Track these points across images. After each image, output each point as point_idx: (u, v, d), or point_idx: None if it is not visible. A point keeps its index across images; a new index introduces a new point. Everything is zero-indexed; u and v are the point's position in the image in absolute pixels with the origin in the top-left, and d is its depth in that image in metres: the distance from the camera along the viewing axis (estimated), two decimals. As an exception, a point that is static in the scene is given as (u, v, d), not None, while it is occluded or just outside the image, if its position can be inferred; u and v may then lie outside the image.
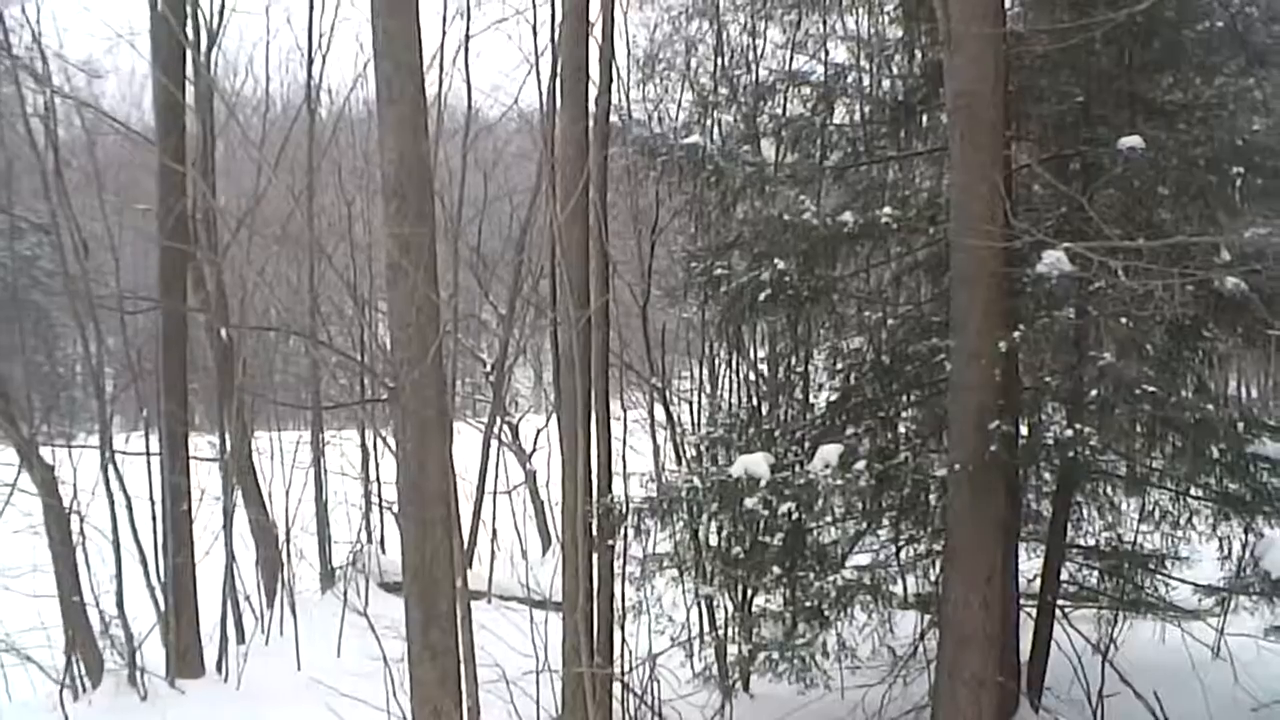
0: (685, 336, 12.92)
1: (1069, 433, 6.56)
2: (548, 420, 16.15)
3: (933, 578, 8.26)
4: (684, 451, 10.70)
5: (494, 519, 15.73)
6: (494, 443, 15.58)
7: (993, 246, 6.10)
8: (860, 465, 6.96)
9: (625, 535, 7.81)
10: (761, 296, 7.41)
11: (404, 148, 5.87)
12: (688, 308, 10.68)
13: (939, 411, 7.59)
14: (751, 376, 10.00)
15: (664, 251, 11.42)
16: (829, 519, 7.69)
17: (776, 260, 7.39)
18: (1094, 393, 6.47)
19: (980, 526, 6.51)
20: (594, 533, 7.48)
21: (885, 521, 8.04)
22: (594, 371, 7.64)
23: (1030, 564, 8.01)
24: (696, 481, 7.22)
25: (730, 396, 10.85)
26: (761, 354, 9.93)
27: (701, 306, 9.36)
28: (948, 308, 6.74)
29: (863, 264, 8.38)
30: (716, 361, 11.53)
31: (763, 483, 6.94)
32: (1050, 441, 6.67)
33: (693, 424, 11.58)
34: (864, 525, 8.01)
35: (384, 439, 14.94)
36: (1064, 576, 8.01)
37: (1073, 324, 6.80)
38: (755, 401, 9.45)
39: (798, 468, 7.25)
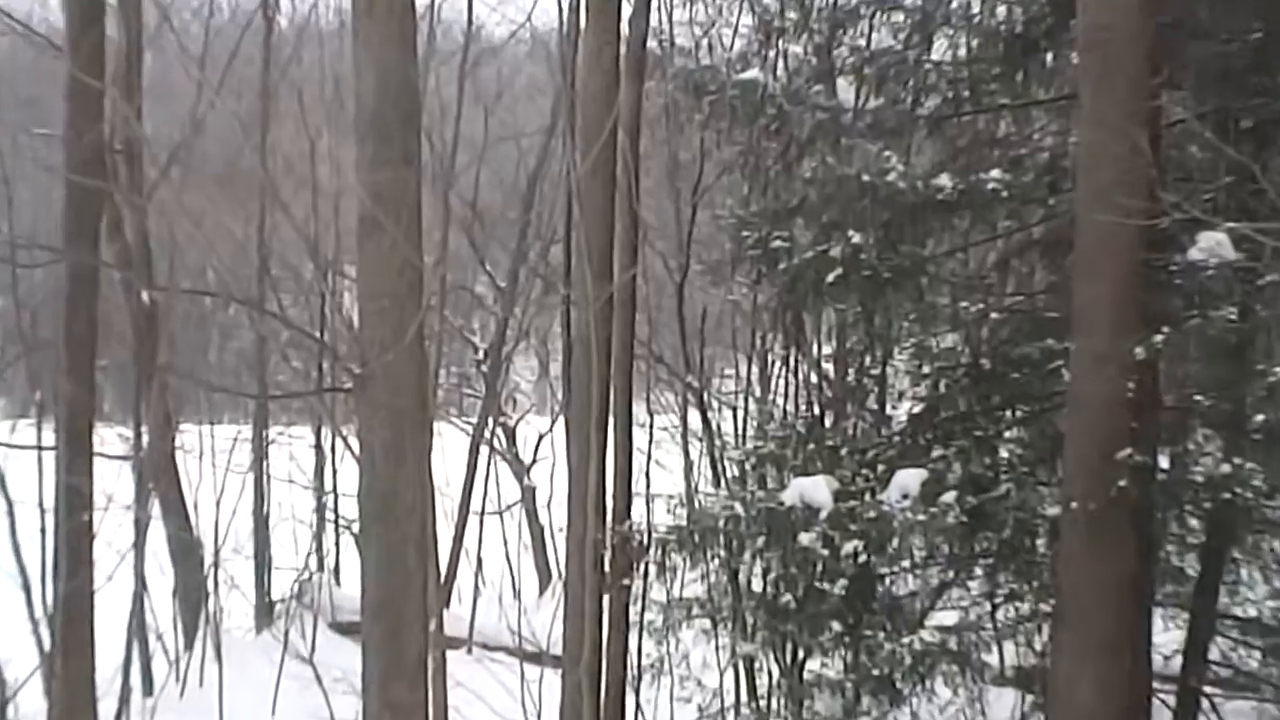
0: (730, 324, 12.95)
1: (1225, 468, 6.49)
2: (553, 424, 16.29)
3: (1039, 646, 8.21)
4: (724, 470, 10.79)
5: (480, 546, 15.84)
6: (484, 449, 15.70)
7: (1131, 224, 6.01)
8: (948, 497, 6.98)
9: (645, 573, 7.92)
10: (830, 277, 7.43)
11: (385, 71, 5.80)
12: (735, 288, 10.77)
13: (1052, 433, 7.57)
14: (813, 378, 10.02)
15: (708, 216, 11.40)
16: (906, 564, 7.71)
17: (850, 232, 7.42)
18: (1259, 418, 6.38)
19: (1102, 583, 6.42)
20: (606, 569, 7.52)
21: (978, 571, 8.03)
22: (614, 364, 7.68)
23: (1168, 636, 7.93)
24: (738, 508, 7.32)
25: (785, 402, 10.86)
26: (827, 350, 9.95)
27: (753, 287, 9.44)
28: (1068, 300, 6.66)
29: (961, 241, 8.41)
30: (769, 357, 11.56)
31: (823, 514, 6.98)
32: (1199, 478, 6.61)
33: (736, 435, 11.62)
34: (951, 574, 8.01)
35: (345, 439, 14.94)
36: (1214, 655, 7.92)
37: (1234, 327, 6.73)
38: (817, 410, 9.49)
39: (868, 496, 7.28)
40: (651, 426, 13.31)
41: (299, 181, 14.99)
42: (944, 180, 7.50)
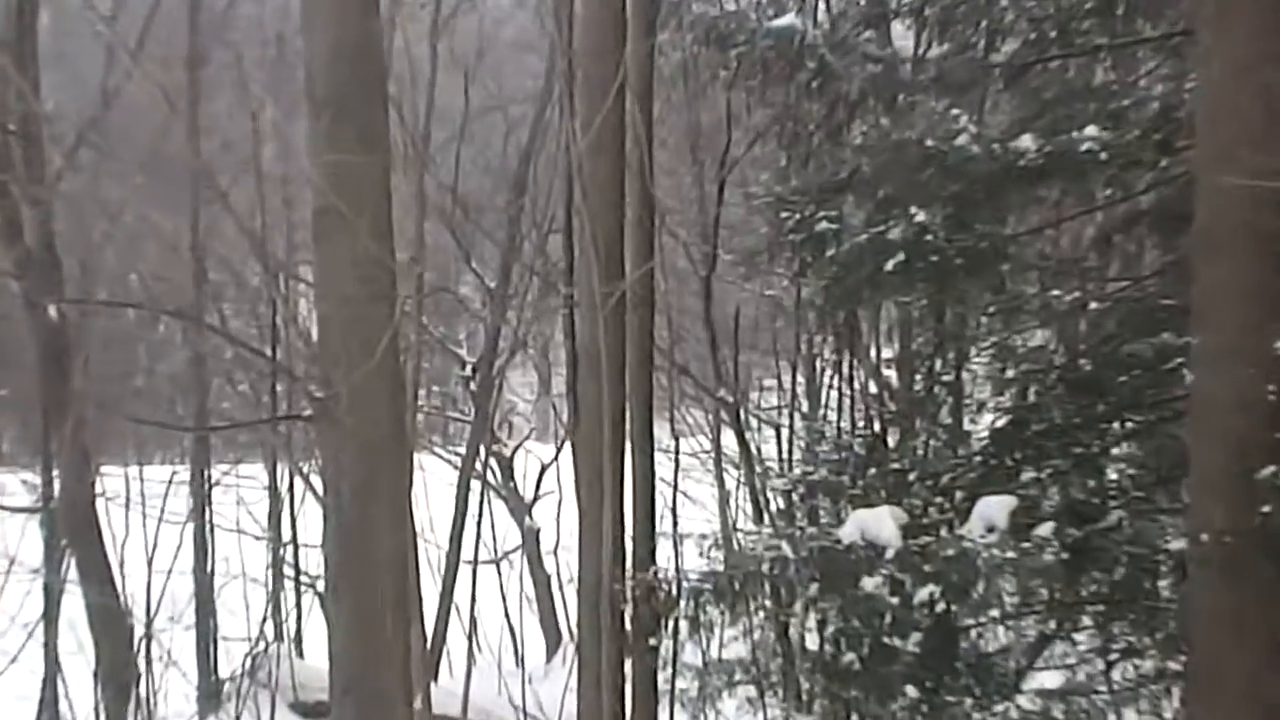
0: (770, 326, 13.01)
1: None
2: (558, 452, 16.61)
3: (1168, 714, 8.15)
4: (766, 502, 10.81)
5: (474, 603, 15.81)
6: (476, 485, 15.76)
7: (1264, 187, 5.98)
8: (1045, 530, 6.94)
9: (676, 632, 7.92)
10: (889, 265, 7.44)
11: (341, 30, 5.92)
12: (774, 281, 10.83)
13: (1172, 448, 7.45)
14: (872, 388, 10.10)
15: (738, 196, 11.37)
16: (995, 614, 7.68)
17: (913, 209, 7.43)
18: None
19: (1242, 633, 6.28)
20: (627, 627, 7.58)
21: (1087, 621, 7.96)
22: (630, 378, 7.74)
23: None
24: (786, 548, 7.30)
25: (839, 418, 10.88)
26: (888, 354, 10.02)
27: (795, 279, 9.42)
28: (1187, 284, 6.54)
29: (1050, 215, 8.40)
30: (818, 364, 11.62)
31: (889, 553, 7.00)
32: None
33: (780, 460, 11.70)
34: (1052, 626, 7.96)
35: (305, 478, 15.17)
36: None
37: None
38: (877, 427, 9.54)
39: (944, 531, 7.31)
40: (677, 452, 13.60)
41: (240, 166, 14.89)
42: (1026, 142, 7.37)
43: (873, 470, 8.23)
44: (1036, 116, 8.13)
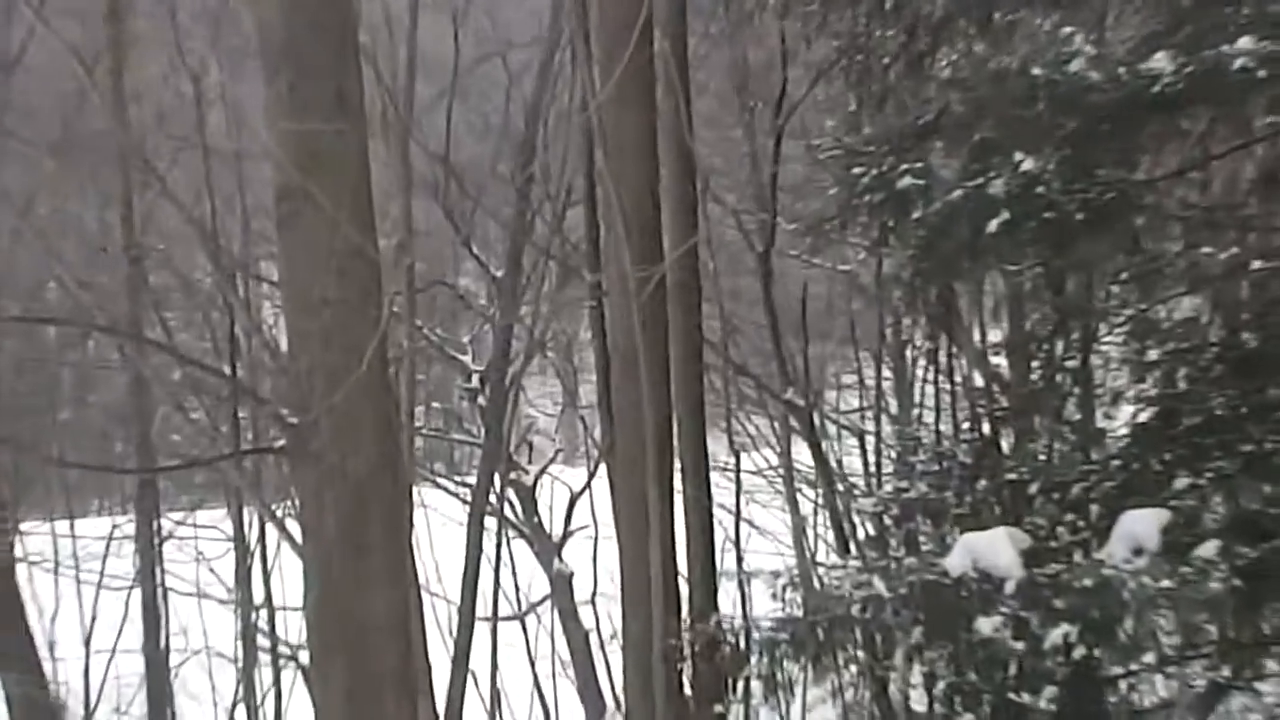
0: (846, 309, 12.89)
1: None
2: (591, 477, 16.50)
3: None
4: (853, 528, 10.80)
5: (494, 669, 15.77)
6: (491, 523, 15.57)
7: None
8: (1208, 549, 6.84)
9: (747, 694, 8.00)
10: (992, 225, 7.38)
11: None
12: (848, 254, 10.81)
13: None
14: (977, 379, 10.08)
15: (799, 149, 11.30)
16: (1149, 659, 7.51)
17: (1019, 154, 7.37)
18: None
19: None
20: (686, 690, 7.62)
21: (1272, 665, 7.85)
22: (675, 381, 7.83)
23: None
24: (880, 585, 7.31)
25: (936, 420, 10.92)
26: (995, 337, 9.98)
27: (874, 249, 9.43)
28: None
29: (1195, 155, 8.25)
30: (908, 354, 11.69)
31: (1010, 586, 6.99)
32: None
33: (867, 474, 11.71)
34: (1226, 672, 7.82)
35: (280, 525, 14.62)
36: None
37: None
38: (987, 428, 9.46)
39: (1079, 555, 7.34)
40: (738, 471, 13.32)
41: (180, 142, 14.66)
42: (1161, 62, 7.18)
43: (983, 483, 8.30)
44: (1173, 29, 7.91)
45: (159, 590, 14.18)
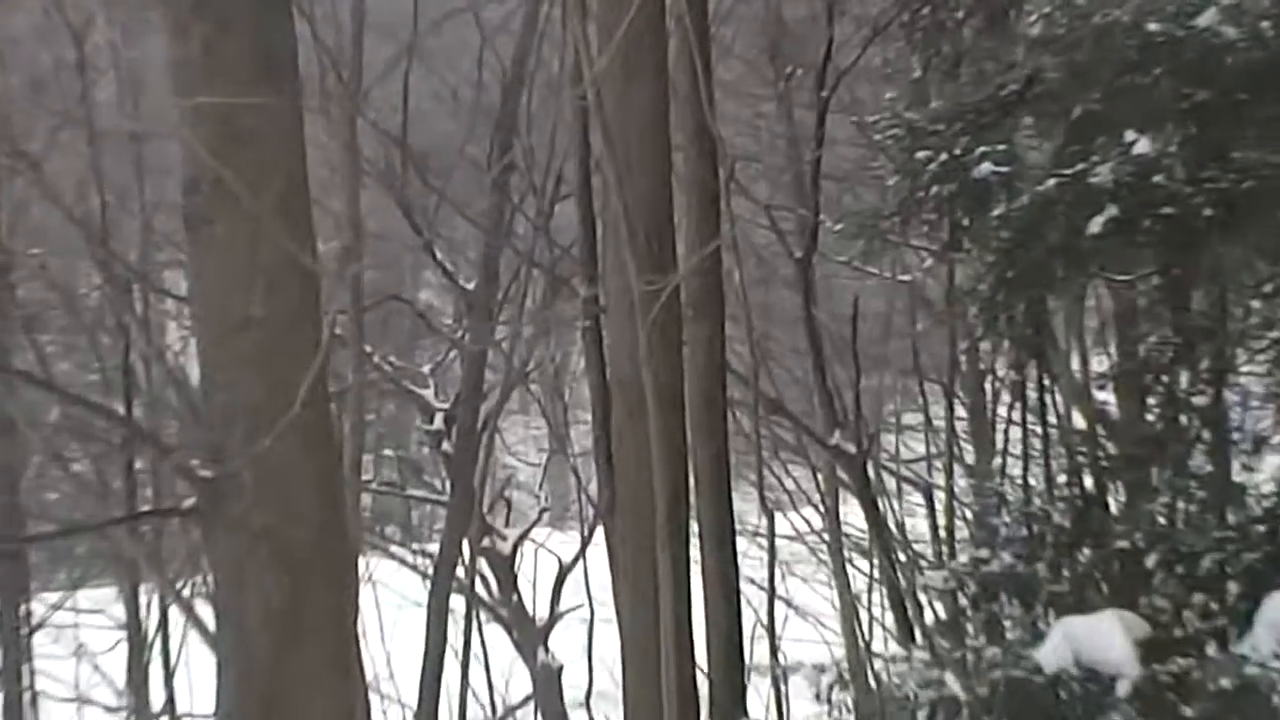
0: (908, 329, 12.90)
1: None
2: (584, 545, 16.39)
3: None
4: (918, 609, 10.75)
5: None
6: (459, 603, 15.38)
7: None
8: (1391, 639, 6.61)
9: None
10: (1095, 224, 7.10)
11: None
12: (910, 260, 10.57)
13: None
14: (1078, 420, 9.77)
15: (848, 128, 11.11)
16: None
17: (1130, 133, 7.14)
18: None
19: None
20: None
21: None
22: (693, 423, 7.59)
23: None
24: (953, 683, 7.22)
25: (1024, 470, 10.56)
26: (1099, 365, 9.49)
27: (943, 255, 9.25)
28: None
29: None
30: (987, 387, 11.39)
31: (1124, 686, 6.82)
32: None
33: (936, 540, 11.55)
34: None
35: (187, 609, 14.50)
36: None
37: None
38: (1090, 482, 8.96)
39: (1213, 647, 7.05)
40: (772, 536, 12.83)
41: (60, 117, 14.16)
42: (1312, 13, 6.91)
43: (1086, 552, 7.94)
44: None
45: (24, 694, 13.78)
